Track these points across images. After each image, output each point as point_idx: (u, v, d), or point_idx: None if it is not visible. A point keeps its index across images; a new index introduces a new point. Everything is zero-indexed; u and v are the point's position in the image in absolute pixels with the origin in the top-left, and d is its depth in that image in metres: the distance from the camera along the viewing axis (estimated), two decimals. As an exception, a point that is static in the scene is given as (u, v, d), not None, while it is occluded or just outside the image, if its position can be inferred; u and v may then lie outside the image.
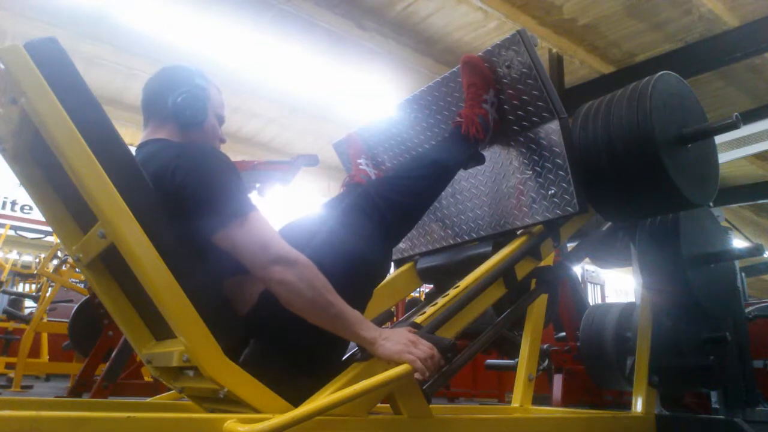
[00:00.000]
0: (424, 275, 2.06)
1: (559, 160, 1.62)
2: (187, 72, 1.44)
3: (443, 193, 1.96)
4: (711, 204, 2.02)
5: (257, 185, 2.29)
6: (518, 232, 1.75)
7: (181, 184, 1.16)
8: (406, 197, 1.50)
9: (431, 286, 2.23)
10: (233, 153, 7.33)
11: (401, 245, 2.17)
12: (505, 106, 1.73)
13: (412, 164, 1.68)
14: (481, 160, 1.76)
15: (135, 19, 5.06)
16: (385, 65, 5.51)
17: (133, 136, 5.90)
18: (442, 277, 2.03)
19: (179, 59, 5.45)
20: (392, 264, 2.22)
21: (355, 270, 1.31)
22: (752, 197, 8.21)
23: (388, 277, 2.05)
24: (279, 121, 7.05)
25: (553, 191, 1.63)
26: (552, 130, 1.65)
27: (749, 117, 5.91)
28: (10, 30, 5.11)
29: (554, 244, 1.69)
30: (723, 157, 6.41)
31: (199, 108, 1.39)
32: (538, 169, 1.68)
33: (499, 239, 1.78)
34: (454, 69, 1.78)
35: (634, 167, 1.60)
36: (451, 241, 1.97)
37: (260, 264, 1.13)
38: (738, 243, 7.94)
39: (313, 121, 6.85)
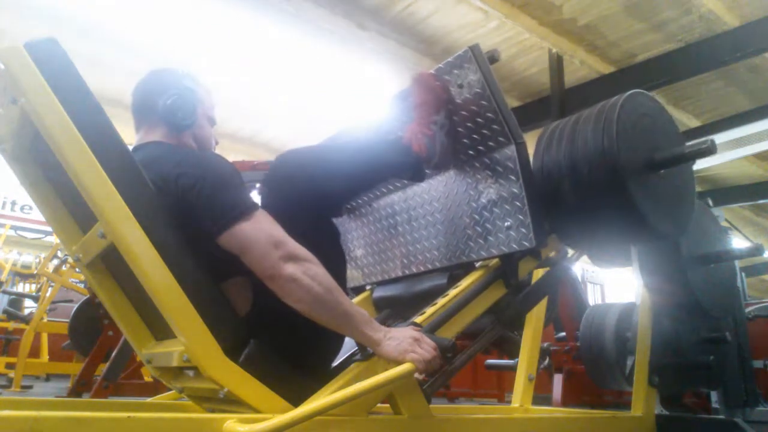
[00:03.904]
0: (380, 305, 1.95)
1: (515, 190, 1.49)
2: (176, 75, 1.44)
3: (399, 218, 1.87)
4: (711, 204, 2.02)
5: (257, 185, 2.29)
6: (477, 265, 1.63)
7: (185, 188, 1.17)
8: (330, 181, 1.37)
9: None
10: (233, 153, 7.33)
11: (356, 272, 2.06)
12: (459, 129, 1.61)
13: (342, 146, 1.59)
14: (418, 177, 1.62)
15: (135, 20, 5.06)
16: (385, 65, 5.51)
17: (133, 136, 5.88)
18: (397, 308, 1.92)
19: (179, 60, 5.46)
20: (349, 291, 2.10)
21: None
22: (752, 197, 8.21)
23: None
24: (279, 121, 7.05)
25: (509, 223, 1.49)
26: (508, 156, 1.52)
27: (749, 117, 5.91)
28: (10, 30, 5.10)
29: (509, 281, 1.54)
30: (723, 157, 6.42)
31: (188, 110, 1.38)
32: (493, 198, 1.55)
33: (455, 272, 1.67)
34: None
35: (599, 195, 1.47)
36: (407, 271, 1.84)
37: (271, 261, 1.12)
38: (738, 243, 7.95)
39: (312, 121, 6.85)
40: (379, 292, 1.95)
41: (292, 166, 1.35)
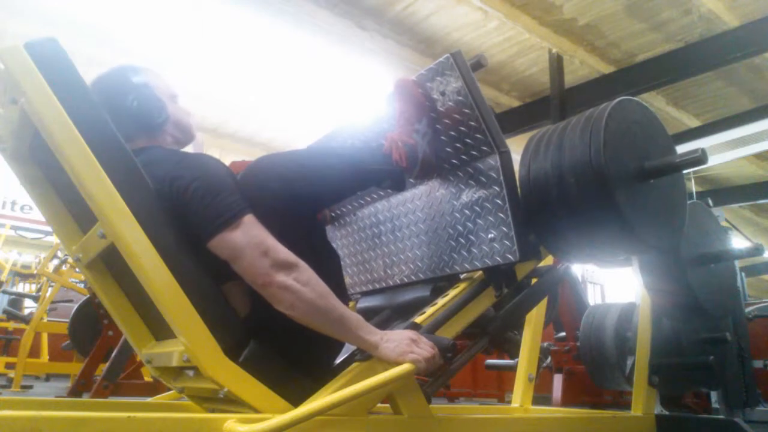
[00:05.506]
0: (364, 316, 1.94)
1: (498, 201, 1.44)
2: (121, 77, 1.38)
3: (383, 228, 1.85)
4: (711, 204, 2.01)
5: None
6: (461, 276, 1.59)
7: (179, 190, 1.16)
8: (303, 183, 1.31)
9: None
10: (233, 153, 7.34)
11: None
12: (442, 137, 1.56)
13: (320, 150, 1.56)
14: (398, 186, 1.59)
15: (135, 21, 5.06)
16: (384, 65, 5.51)
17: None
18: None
19: (178, 60, 5.47)
20: None
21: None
22: (752, 197, 8.23)
23: None
24: (278, 121, 7.05)
25: (492, 235, 1.44)
26: (491, 165, 1.47)
27: (749, 117, 5.92)
28: (10, 30, 5.11)
29: (495, 294, 1.49)
30: (723, 157, 6.43)
31: (156, 106, 1.36)
32: (477, 209, 1.50)
33: (439, 284, 1.63)
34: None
35: (586, 206, 1.41)
36: (391, 282, 1.80)
37: (262, 270, 1.11)
38: (738, 243, 7.96)
39: (312, 121, 6.85)
40: (364, 303, 1.92)
41: (263, 168, 1.31)
